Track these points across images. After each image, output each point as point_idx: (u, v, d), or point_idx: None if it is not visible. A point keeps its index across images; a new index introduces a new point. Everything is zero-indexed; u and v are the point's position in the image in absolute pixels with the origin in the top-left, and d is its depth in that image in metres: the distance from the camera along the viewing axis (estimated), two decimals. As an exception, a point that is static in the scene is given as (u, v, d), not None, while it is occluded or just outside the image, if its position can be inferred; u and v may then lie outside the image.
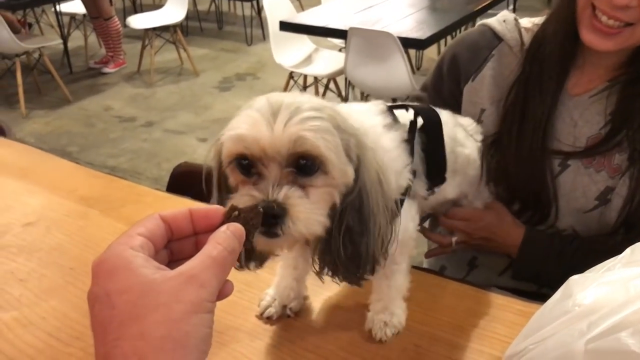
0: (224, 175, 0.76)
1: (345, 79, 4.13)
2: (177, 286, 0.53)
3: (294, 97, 0.71)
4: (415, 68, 5.55)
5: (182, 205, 1.41)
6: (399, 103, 0.98)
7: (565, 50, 1.19)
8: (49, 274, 1.11)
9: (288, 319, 0.99)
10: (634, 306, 0.68)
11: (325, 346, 0.93)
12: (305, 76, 4.50)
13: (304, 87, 4.54)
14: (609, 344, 0.65)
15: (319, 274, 0.81)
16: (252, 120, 0.68)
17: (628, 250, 0.81)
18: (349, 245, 0.75)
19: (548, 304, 0.80)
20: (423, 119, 0.96)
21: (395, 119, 0.91)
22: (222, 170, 0.75)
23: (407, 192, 0.90)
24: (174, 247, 0.62)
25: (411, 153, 0.91)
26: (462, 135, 1.12)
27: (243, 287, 1.05)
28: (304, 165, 0.69)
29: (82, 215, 1.29)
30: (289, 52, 4.34)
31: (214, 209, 0.61)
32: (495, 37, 1.31)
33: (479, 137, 1.22)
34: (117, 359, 0.50)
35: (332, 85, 4.59)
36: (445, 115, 1.06)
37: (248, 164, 0.70)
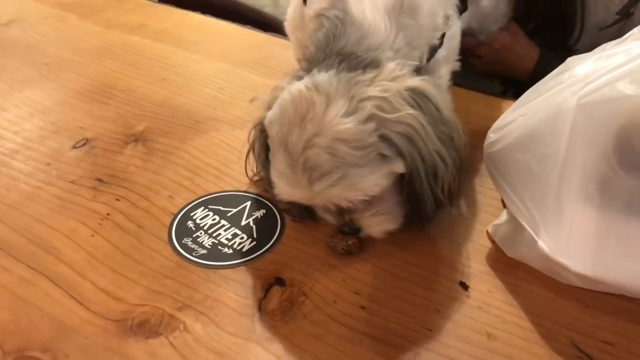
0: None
1: None
2: None
3: (310, 134, 0.60)
4: None
5: (166, 14, 1.33)
6: None
7: None
8: (23, 68, 1.06)
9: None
10: (633, 63, 0.62)
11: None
12: None
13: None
14: (603, 94, 0.60)
15: None
16: (286, 180, 0.64)
17: (635, 30, 0.74)
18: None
19: (542, 80, 0.74)
20: None
21: None
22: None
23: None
24: None
25: None
26: None
27: (225, 84, 1.01)
28: None
29: (60, 18, 1.22)
30: None
31: None
32: None
33: None
34: None
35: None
36: None
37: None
